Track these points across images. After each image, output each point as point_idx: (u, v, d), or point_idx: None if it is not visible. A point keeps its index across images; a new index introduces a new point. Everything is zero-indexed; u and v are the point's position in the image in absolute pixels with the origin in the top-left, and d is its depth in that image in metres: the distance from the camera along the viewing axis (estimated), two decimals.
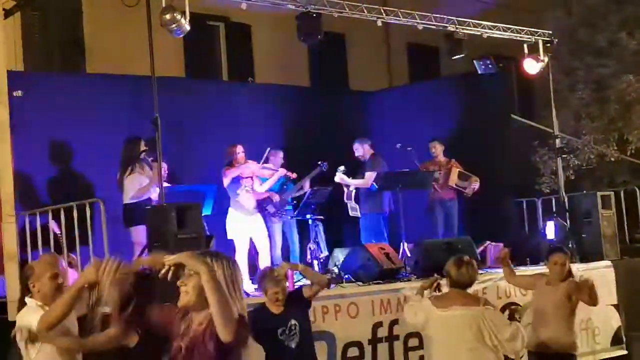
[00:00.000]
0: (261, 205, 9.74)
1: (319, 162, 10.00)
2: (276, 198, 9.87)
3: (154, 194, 8.41)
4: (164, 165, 8.53)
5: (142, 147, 8.63)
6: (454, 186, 10.64)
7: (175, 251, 6.52)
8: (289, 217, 9.97)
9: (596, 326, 9.33)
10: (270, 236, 9.67)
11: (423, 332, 5.85)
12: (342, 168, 10.21)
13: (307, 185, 10.01)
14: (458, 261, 5.65)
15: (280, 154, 10.06)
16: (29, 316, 4.57)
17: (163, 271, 3.46)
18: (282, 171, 9.85)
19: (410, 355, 7.88)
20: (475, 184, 10.56)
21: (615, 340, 9.58)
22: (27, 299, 4.66)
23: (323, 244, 9.90)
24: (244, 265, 9.11)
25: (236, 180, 9.39)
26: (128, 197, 8.58)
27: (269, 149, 9.73)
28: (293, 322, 5.67)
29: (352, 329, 7.48)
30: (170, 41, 9.25)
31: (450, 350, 5.49)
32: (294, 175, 10.09)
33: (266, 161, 9.77)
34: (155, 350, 4.81)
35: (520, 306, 8.78)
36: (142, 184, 8.58)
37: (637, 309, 9.73)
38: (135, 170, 8.56)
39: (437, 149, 10.86)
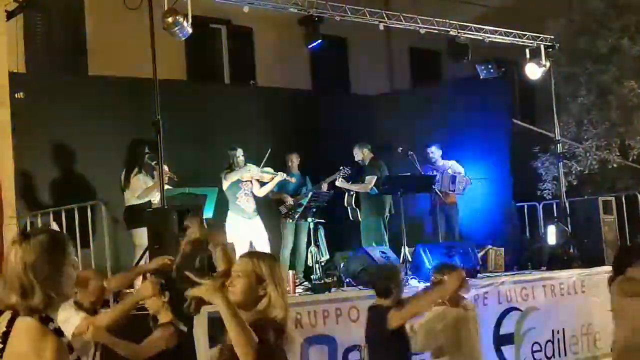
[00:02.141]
0: (274, 206, 9.99)
1: (341, 168, 10.04)
2: (289, 200, 9.94)
3: (157, 197, 8.43)
4: (166, 168, 8.55)
5: (146, 150, 8.69)
6: (448, 191, 10.63)
7: (175, 254, 6.57)
8: (290, 221, 9.98)
9: (597, 331, 9.31)
10: (281, 237, 9.93)
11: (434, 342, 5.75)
12: (347, 170, 10.22)
13: (324, 188, 10.06)
14: (448, 265, 5.70)
15: (297, 158, 10.18)
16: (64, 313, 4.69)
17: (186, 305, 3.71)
18: (282, 175, 9.85)
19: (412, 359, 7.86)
20: (462, 185, 10.59)
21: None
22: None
23: (324, 248, 9.90)
24: None
25: (236, 184, 9.39)
26: (135, 196, 8.64)
27: (270, 149, 9.70)
28: None
29: (353, 332, 7.46)
30: (172, 44, 9.26)
31: (475, 344, 5.51)
32: (293, 180, 10.13)
33: (267, 164, 9.77)
34: (192, 351, 4.98)
35: (522, 311, 8.80)
36: (147, 184, 8.63)
37: None
38: (142, 170, 8.64)
39: (435, 154, 10.87)
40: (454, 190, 10.64)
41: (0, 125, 7.65)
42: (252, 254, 3.71)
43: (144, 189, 8.64)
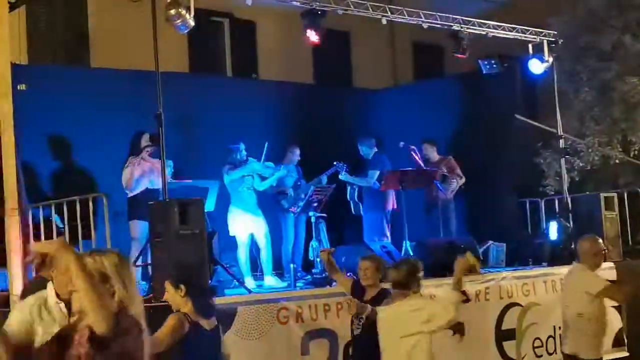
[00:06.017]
0: (275, 199, 9.93)
1: (335, 163, 10.03)
2: (290, 192, 9.96)
3: (155, 186, 8.43)
4: (171, 163, 8.53)
5: (145, 142, 8.67)
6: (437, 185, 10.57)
7: (176, 246, 6.58)
8: (294, 214, 9.99)
9: None
10: (282, 230, 9.92)
11: None
12: (344, 166, 10.20)
13: (324, 182, 10.06)
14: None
15: (297, 151, 10.17)
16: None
17: (29, 259, 3.46)
18: (283, 171, 9.84)
19: None
20: (450, 185, 10.48)
21: (617, 342, 9.55)
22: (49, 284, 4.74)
23: (326, 242, 9.90)
24: (245, 262, 9.11)
25: (237, 178, 9.38)
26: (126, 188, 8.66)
27: (267, 144, 9.66)
28: None
29: None
30: (174, 36, 9.24)
31: None
32: (294, 175, 10.14)
33: (268, 158, 9.75)
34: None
35: (523, 306, 8.80)
36: (133, 176, 8.61)
37: (639, 310, 9.70)
38: (130, 163, 8.61)
39: (428, 150, 10.80)
40: (443, 190, 10.51)
41: (3, 116, 7.63)
42: (93, 252, 3.53)
43: (127, 180, 8.62)
